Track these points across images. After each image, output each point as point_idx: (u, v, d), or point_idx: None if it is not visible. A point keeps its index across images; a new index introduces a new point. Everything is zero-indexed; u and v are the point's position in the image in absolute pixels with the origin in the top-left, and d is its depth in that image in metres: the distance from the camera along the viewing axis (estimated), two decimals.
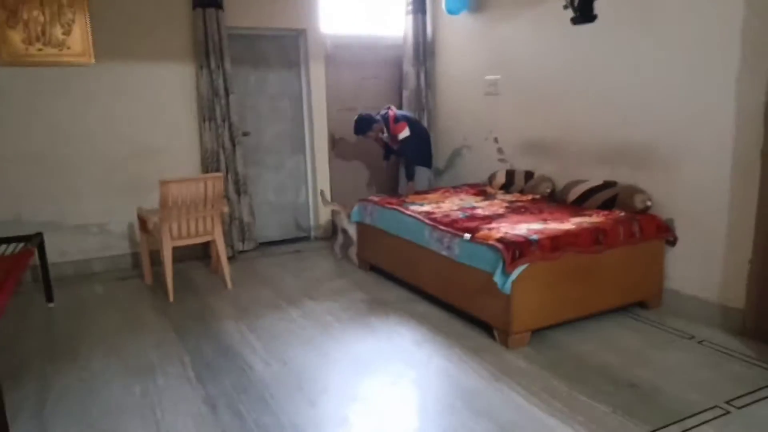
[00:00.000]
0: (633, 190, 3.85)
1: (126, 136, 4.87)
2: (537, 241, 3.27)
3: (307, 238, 5.88)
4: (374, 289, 4.33)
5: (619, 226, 3.56)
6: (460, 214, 3.97)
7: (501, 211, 4.09)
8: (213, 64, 4.96)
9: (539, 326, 3.37)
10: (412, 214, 4.08)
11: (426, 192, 4.97)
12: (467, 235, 3.49)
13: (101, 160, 4.81)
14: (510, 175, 4.90)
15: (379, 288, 4.36)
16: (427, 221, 3.89)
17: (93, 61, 4.70)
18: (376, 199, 4.63)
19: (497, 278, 3.20)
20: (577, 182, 4.28)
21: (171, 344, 3.46)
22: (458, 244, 3.55)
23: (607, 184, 4.05)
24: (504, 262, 3.17)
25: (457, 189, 5.02)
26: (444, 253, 3.69)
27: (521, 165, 4.98)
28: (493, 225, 3.64)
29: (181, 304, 4.13)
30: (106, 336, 3.60)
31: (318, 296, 4.22)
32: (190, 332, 3.63)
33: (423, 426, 2.57)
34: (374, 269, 4.73)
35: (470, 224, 3.69)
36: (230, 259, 5.18)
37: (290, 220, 5.81)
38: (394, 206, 4.33)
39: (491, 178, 5.07)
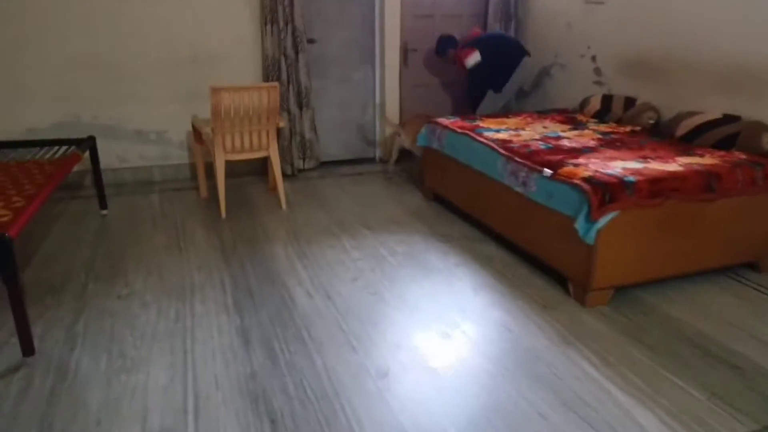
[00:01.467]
0: (760, 128, 3.14)
1: (184, 39, 4.55)
2: (633, 184, 2.71)
3: (371, 160, 5.49)
4: (436, 222, 3.93)
5: (738, 170, 2.92)
6: (541, 145, 3.42)
7: (592, 143, 3.49)
8: None
9: (625, 283, 2.87)
10: (485, 141, 3.57)
11: (505, 115, 4.39)
12: (547, 171, 2.97)
13: (159, 63, 4.54)
14: (607, 100, 4.22)
15: (441, 221, 3.95)
16: (501, 151, 3.38)
17: None
18: (445, 121, 4.12)
19: (579, 225, 2.70)
20: (688, 114, 3.58)
21: (215, 265, 3.25)
22: (536, 180, 3.04)
23: (728, 119, 3.34)
24: (590, 207, 2.66)
25: (542, 114, 4.40)
26: (518, 189, 3.20)
27: (621, 89, 4.27)
28: (581, 160, 3.09)
29: (233, 222, 3.92)
30: (152, 252, 3.44)
31: (374, 225, 3.88)
32: (237, 253, 3.41)
33: (470, 389, 2.23)
34: (438, 199, 4.31)
35: (552, 157, 3.15)
36: (289, 177, 4.91)
37: (354, 139, 5.42)
38: (466, 131, 3.82)
39: (584, 103, 4.40)
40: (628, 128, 3.89)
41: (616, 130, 3.85)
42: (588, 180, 2.74)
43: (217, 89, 3.66)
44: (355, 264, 3.28)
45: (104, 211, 4.05)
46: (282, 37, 4.63)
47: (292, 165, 4.96)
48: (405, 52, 5.25)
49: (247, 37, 4.69)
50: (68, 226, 3.83)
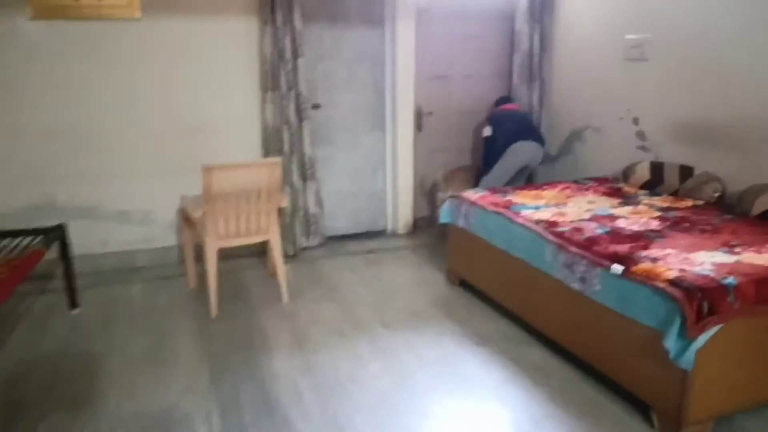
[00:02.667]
0: None
1: (175, 109, 4.05)
2: (735, 288, 2.11)
3: (383, 233, 4.91)
4: (467, 317, 3.31)
5: None
6: (596, 228, 2.84)
7: (655, 224, 2.92)
8: (279, 20, 4.01)
9: (728, 411, 2.23)
10: (527, 224, 3.00)
11: (539, 187, 3.84)
12: (618, 267, 2.37)
13: (145, 136, 4.03)
14: (657, 169, 3.67)
15: (473, 315, 3.33)
16: (549, 237, 2.80)
17: (139, 14, 3.88)
18: (473, 196, 3.56)
19: (671, 344, 2.08)
20: (766, 187, 3.02)
21: (201, 390, 2.62)
22: (601, 277, 2.45)
23: None
24: (684, 321, 2.05)
25: (581, 185, 3.84)
26: (576, 286, 2.60)
27: (672, 156, 3.73)
28: (654, 250, 2.50)
29: (225, 322, 3.30)
30: (127, 368, 2.81)
31: (393, 321, 3.26)
32: (229, 370, 2.77)
33: None
34: (465, 284, 3.70)
35: (617, 246, 2.56)
36: (292, 257, 4.32)
37: (364, 211, 4.86)
38: (499, 209, 3.26)
39: (628, 172, 3.85)
40: (689, 203, 3.32)
41: (675, 205, 3.28)
42: (677, 283, 2.14)
43: (209, 168, 3.12)
44: (375, 382, 2.64)
45: (75, 311, 3.44)
46: (284, 104, 4.14)
47: (294, 244, 4.38)
48: (419, 116, 4.76)
49: (246, 106, 4.20)
50: (30, 332, 3.21)
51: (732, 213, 3.08)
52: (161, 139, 4.06)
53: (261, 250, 4.23)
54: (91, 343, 3.05)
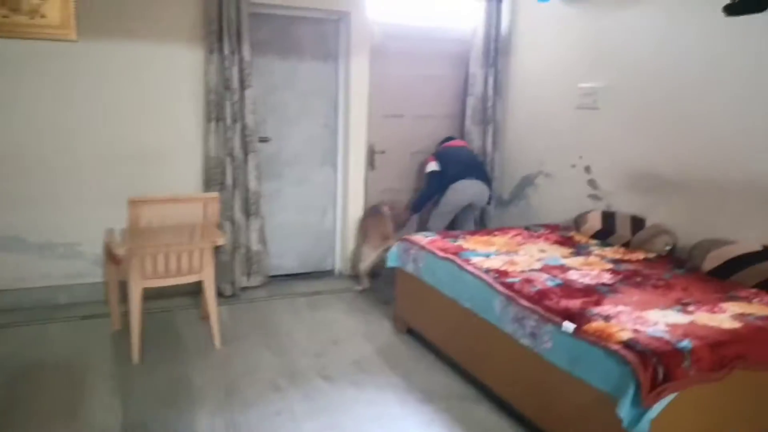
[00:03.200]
0: None
1: (110, 135, 3.78)
2: (690, 352, 2.00)
3: (330, 273, 4.70)
4: (413, 369, 3.11)
5: None
6: (547, 280, 2.71)
7: (607, 277, 2.82)
8: (227, 50, 3.83)
9: None
10: (476, 272, 2.85)
11: (490, 232, 3.72)
12: (569, 325, 2.24)
13: (73, 163, 3.73)
14: (608, 219, 3.61)
15: (419, 367, 3.14)
16: (499, 288, 2.66)
17: (74, 37, 3.63)
18: (422, 240, 3.41)
19: (624, 411, 1.94)
20: (717, 242, 2.99)
21: None
22: (551, 334, 2.31)
23: None
24: (638, 387, 1.91)
25: (532, 232, 3.75)
26: (525, 342, 2.45)
27: (624, 205, 3.69)
28: (606, 306, 2.39)
29: (148, 371, 2.99)
30: (31, 426, 2.47)
31: (335, 374, 3.02)
32: (144, 430, 2.47)
33: None
34: (413, 332, 3.51)
35: (569, 301, 2.43)
36: (229, 298, 4.05)
37: (312, 250, 4.64)
38: (449, 255, 3.11)
39: (580, 220, 3.79)
40: (640, 255, 3.25)
41: (626, 258, 3.21)
42: (630, 346, 2.01)
43: (135, 201, 2.87)
44: None
45: None
46: (229, 135, 3.93)
47: (232, 284, 4.11)
48: (372, 154, 4.62)
49: (188, 135, 3.97)
50: None
51: (683, 267, 3.02)
52: (94, 167, 3.77)
53: (196, 289, 3.93)
54: None
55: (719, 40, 3.10)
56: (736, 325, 2.21)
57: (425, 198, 4.49)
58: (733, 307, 2.42)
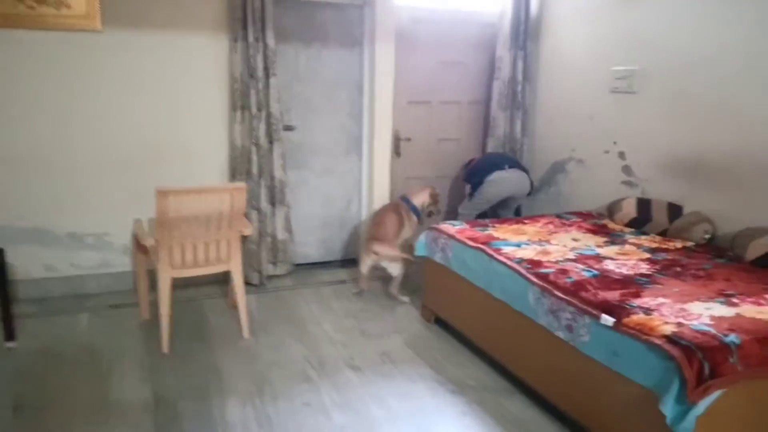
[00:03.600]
0: None
1: (136, 126, 3.77)
2: (738, 346, 1.91)
3: (354, 262, 4.65)
4: (443, 360, 3.06)
5: None
6: (582, 271, 2.63)
7: (645, 268, 2.72)
8: (251, 37, 3.78)
9: None
10: (508, 262, 2.78)
11: (520, 220, 3.64)
12: (608, 318, 2.16)
13: (102, 154, 3.73)
14: (644, 206, 3.50)
15: (449, 358, 3.09)
16: (533, 279, 2.58)
17: (100, 26, 3.61)
18: (450, 229, 3.35)
19: (668, 408, 1.86)
20: (760, 230, 2.87)
21: None
22: (590, 327, 2.23)
23: None
24: (683, 383, 1.83)
25: (563, 220, 3.66)
26: (561, 334, 2.38)
27: (659, 193, 3.57)
28: (646, 298, 2.30)
29: (178, 360, 3.00)
30: (65, 420, 2.49)
31: (363, 364, 2.99)
32: (176, 420, 2.48)
33: None
34: (441, 322, 3.46)
35: (607, 293, 2.35)
36: (256, 287, 4.04)
37: (337, 238, 4.61)
38: (479, 245, 3.04)
39: (614, 207, 3.68)
40: (678, 244, 3.14)
41: (664, 246, 3.11)
42: (674, 341, 1.93)
43: (164, 192, 2.85)
44: None
45: (11, 344, 3.10)
46: (254, 124, 3.89)
47: (260, 272, 4.10)
48: (397, 142, 4.56)
49: (214, 125, 3.94)
50: None
51: (724, 257, 2.91)
52: (120, 158, 3.77)
53: (223, 278, 3.93)
54: (26, 389, 2.71)
55: (760, 26, 2.95)
56: None
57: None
58: None
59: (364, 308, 3.74)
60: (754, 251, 2.78)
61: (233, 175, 3.95)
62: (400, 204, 4.12)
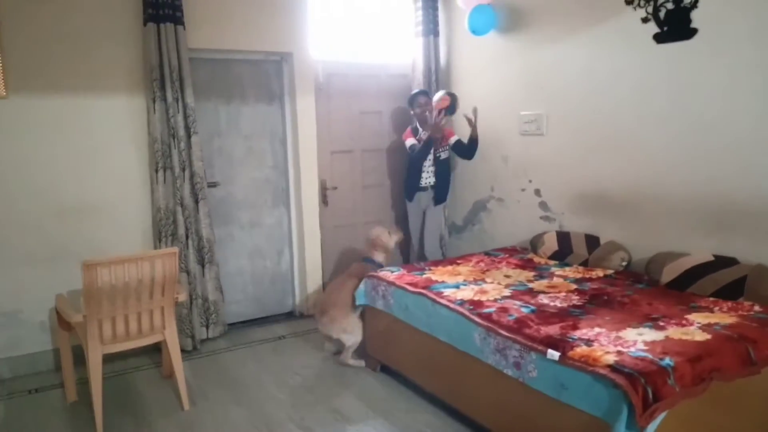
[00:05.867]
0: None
1: (49, 191, 3.55)
2: (674, 368, 2.08)
3: (291, 315, 4.59)
4: (394, 409, 3.07)
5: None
6: (521, 307, 2.77)
7: (576, 299, 2.91)
8: (170, 97, 3.72)
9: None
10: (451, 305, 2.86)
11: (453, 261, 3.77)
12: (554, 353, 2.28)
13: (13, 223, 3.48)
14: (564, 239, 3.75)
15: (399, 406, 3.10)
16: (477, 320, 2.68)
17: (4, 93, 3.41)
18: (389, 276, 3.40)
19: None
20: (670, 255, 3.15)
21: None
22: (536, 363, 2.34)
23: (723, 261, 2.92)
24: (631, 409, 1.97)
25: (492, 257, 3.83)
26: (509, 372, 2.47)
27: (575, 226, 3.84)
28: (584, 330, 2.45)
29: None
30: None
31: (315, 423, 2.94)
32: None
33: None
34: (386, 369, 3.48)
35: (546, 327, 2.49)
36: (191, 352, 3.87)
37: (269, 293, 4.53)
38: (420, 290, 3.11)
39: (537, 242, 3.91)
40: (600, 272, 3.38)
41: (587, 276, 3.33)
42: (617, 369, 2.07)
43: (91, 265, 2.70)
44: None
45: None
46: (178, 184, 3.79)
47: (192, 337, 3.94)
48: (324, 191, 4.60)
49: (135, 187, 3.80)
50: None
51: (642, 282, 3.16)
52: (33, 226, 3.53)
53: (153, 347, 3.74)
54: None
55: (644, 64, 3.32)
56: (707, 336, 2.32)
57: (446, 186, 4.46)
58: (698, 318, 2.55)
59: (306, 364, 3.68)
60: (668, 275, 3.05)
61: (159, 238, 3.80)
62: (364, 266, 3.81)
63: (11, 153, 3.44)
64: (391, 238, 3.97)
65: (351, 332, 3.56)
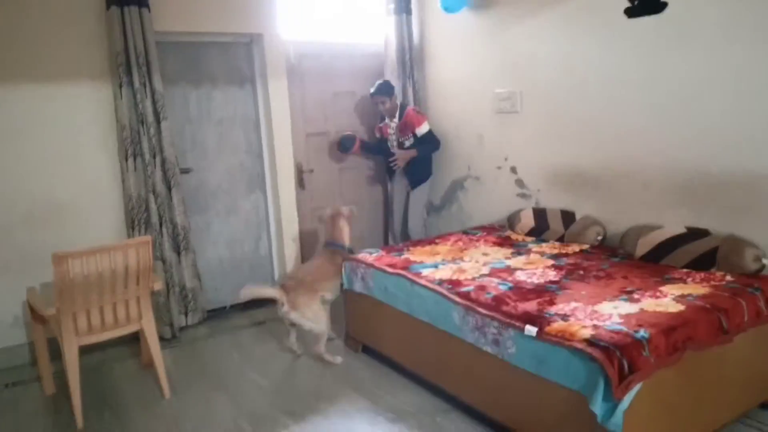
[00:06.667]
0: (740, 244, 2.77)
1: (16, 194, 3.45)
2: (648, 341, 2.12)
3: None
4: (377, 389, 3.09)
5: (739, 299, 2.46)
6: (498, 285, 2.78)
7: (552, 274, 2.93)
8: (137, 83, 3.63)
9: None
10: (430, 285, 2.87)
11: (432, 241, 3.77)
12: (531, 329, 2.30)
13: None
14: (540, 215, 3.77)
15: (382, 386, 3.12)
16: (456, 299, 2.69)
17: None
18: (368, 258, 3.40)
19: (596, 406, 2.02)
20: (644, 228, 3.19)
21: None
22: (514, 339, 2.37)
23: (694, 233, 2.97)
24: (607, 382, 2.00)
25: (470, 236, 3.84)
26: (489, 349, 2.50)
27: (551, 202, 3.87)
28: (561, 305, 2.48)
29: None
30: None
31: (298, 409, 2.94)
32: None
33: None
34: (368, 350, 3.49)
35: (524, 303, 2.51)
36: (169, 340, 3.84)
37: (248, 279, 4.47)
38: (399, 271, 3.12)
39: (513, 219, 3.93)
40: (575, 247, 3.42)
41: (564, 251, 3.36)
42: (593, 342, 2.10)
43: (61, 256, 2.64)
44: None
45: None
46: (149, 171, 3.72)
47: (171, 326, 3.90)
48: (301, 174, 4.55)
49: (104, 176, 3.72)
50: None
51: (617, 255, 3.21)
52: (3, 221, 3.43)
53: (130, 337, 3.69)
54: None
55: (616, 41, 3.32)
56: (680, 308, 2.37)
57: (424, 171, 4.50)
58: (672, 290, 2.59)
59: (288, 348, 3.67)
60: (642, 248, 3.09)
61: (132, 227, 3.74)
62: (334, 252, 3.62)
63: None
64: (349, 211, 3.78)
65: (312, 320, 3.31)
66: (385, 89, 4.34)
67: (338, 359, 3.41)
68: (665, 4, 3.01)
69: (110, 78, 3.64)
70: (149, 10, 3.63)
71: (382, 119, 4.52)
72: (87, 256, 2.72)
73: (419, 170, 4.47)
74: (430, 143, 4.41)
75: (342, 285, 3.50)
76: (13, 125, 3.42)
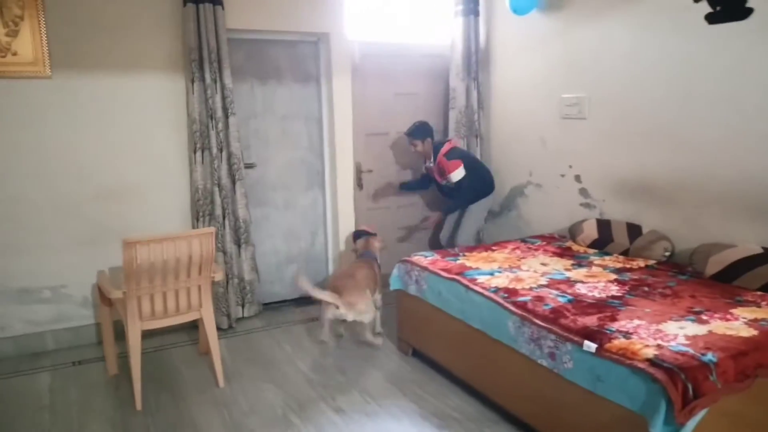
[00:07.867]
0: None
1: (90, 172, 3.64)
2: (716, 365, 2.00)
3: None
4: (424, 393, 3.06)
5: None
6: (557, 297, 2.71)
7: (615, 289, 2.83)
8: (208, 78, 3.75)
9: None
10: (485, 293, 2.82)
11: (488, 247, 3.71)
12: (590, 345, 2.22)
13: (56, 202, 3.58)
14: (604, 227, 3.64)
15: (431, 391, 3.09)
16: (512, 308, 2.63)
17: (49, 72, 3.49)
18: (423, 261, 3.38)
19: (656, 430, 1.93)
20: (716, 246, 3.03)
21: None
22: (572, 353, 2.29)
23: None
24: (669, 405, 1.91)
25: (529, 244, 3.76)
26: (544, 362, 2.43)
27: (616, 213, 3.73)
28: (623, 321, 2.38)
29: (152, 416, 2.88)
30: None
31: (345, 404, 2.96)
32: None
33: None
34: (418, 354, 3.47)
35: (583, 318, 2.43)
36: (226, 330, 3.95)
37: (304, 274, 4.55)
38: (453, 275, 3.08)
39: (575, 229, 3.81)
40: (641, 263, 3.28)
41: (628, 266, 3.23)
42: (656, 363, 2.00)
43: (130, 243, 2.76)
44: None
45: None
46: (215, 164, 3.83)
47: (228, 316, 4.01)
48: (359, 173, 4.58)
49: (173, 167, 3.86)
50: None
51: (685, 273, 3.06)
52: (75, 206, 3.63)
53: (189, 324, 3.82)
54: None
55: (692, 46, 3.16)
56: (752, 332, 2.23)
57: (469, 203, 4.23)
58: (744, 313, 2.45)
59: (340, 344, 3.71)
60: (713, 267, 2.93)
61: (196, 218, 3.87)
62: (371, 262, 3.76)
63: (53, 135, 3.52)
64: (379, 242, 3.98)
65: (367, 312, 3.41)
66: (418, 132, 4.20)
67: (379, 340, 3.61)
68: (751, 10, 2.84)
69: (183, 72, 3.78)
70: (223, 8, 3.75)
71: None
72: (153, 244, 2.83)
73: (475, 188, 4.22)
74: (468, 190, 4.15)
75: (388, 286, 3.54)
76: (87, 112, 3.59)
